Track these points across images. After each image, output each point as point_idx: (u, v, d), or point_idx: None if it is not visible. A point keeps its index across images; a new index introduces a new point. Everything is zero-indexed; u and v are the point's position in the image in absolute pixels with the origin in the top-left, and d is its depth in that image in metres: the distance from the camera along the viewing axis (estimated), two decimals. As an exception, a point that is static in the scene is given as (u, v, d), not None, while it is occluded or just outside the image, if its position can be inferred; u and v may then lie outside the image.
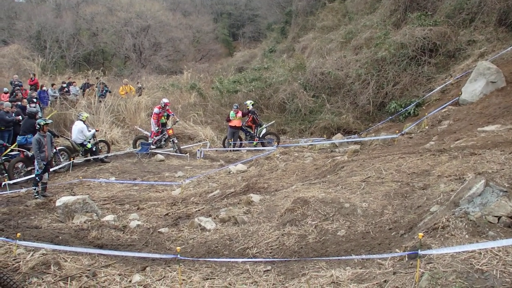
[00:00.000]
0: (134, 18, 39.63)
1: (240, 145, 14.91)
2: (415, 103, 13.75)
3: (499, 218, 4.28)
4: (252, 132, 14.88)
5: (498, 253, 3.73)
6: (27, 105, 14.03)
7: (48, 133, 9.19)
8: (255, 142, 14.67)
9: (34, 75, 20.56)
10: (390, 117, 14.19)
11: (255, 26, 47.75)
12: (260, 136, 14.74)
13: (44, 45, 35.27)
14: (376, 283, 3.89)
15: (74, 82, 20.78)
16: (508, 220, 4.24)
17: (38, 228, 6.70)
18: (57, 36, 36.69)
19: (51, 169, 9.94)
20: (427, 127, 11.45)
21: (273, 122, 15.91)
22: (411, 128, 11.93)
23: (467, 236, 4.14)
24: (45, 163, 8.95)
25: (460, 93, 12.03)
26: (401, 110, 13.99)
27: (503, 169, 5.85)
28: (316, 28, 25.64)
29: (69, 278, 4.59)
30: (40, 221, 7.14)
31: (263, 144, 14.53)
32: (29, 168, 10.62)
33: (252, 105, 15.06)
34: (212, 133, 16.49)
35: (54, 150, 10.73)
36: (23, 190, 9.59)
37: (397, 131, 11.83)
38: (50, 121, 9.76)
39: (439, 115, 11.74)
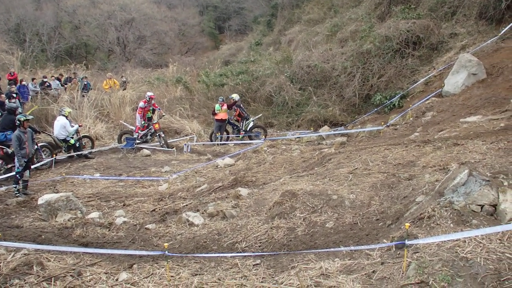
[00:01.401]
0: (118, 11, 38.97)
1: (227, 139, 14.86)
2: (399, 95, 13.89)
3: (482, 206, 4.37)
4: (238, 125, 14.83)
5: (482, 241, 3.81)
6: (6, 101, 13.71)
7: (29, 129, 8.98)
8: (241, 136, 14.65)
9: (14, 69, 20.10)
10: (376, 109, 14.31)
11: (241, 19, 47.46)
12: (248, 129, 14.71)
13: (24, 38, 34.42)
14: (365, 274, 3.93)
15: (57, 76, 20.38)
16: (490, 209, 4.33)
17: (19, 228, 6.55)
18: (37, 29, 35.86)
19: (32, 166, 9.72)
20: (411, 119, 11.58)
21: (260, 115, 15.89)
22: (396, 119, 12.05)
23: (452, 225, 4.20)
24: (26, 160, 8.75)
25: (443, 85, 12.19)
26: (386, 102, 14.12)
27: (485, 159, 5.96)
28: (302, 21, 25.69)
29: (53, 278, 4.48)
30: (21, 220, 6.98)
31: (250, 138, 14.51)
32: (9, 166, 10.26)
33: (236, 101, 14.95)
34: (199, 127, 16.42)
35: (36, 147, 10.48)
36: (3, 188, 9.32)
37: (382, 123, 11.92)
38: (30, 116, 9.54)
39: (423, 107, 11.89)
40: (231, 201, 6.92)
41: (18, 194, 8.65)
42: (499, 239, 3.78)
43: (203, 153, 13.28)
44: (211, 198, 7.39)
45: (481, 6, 13.69)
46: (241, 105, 15.04)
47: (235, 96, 14.99)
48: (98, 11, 39.38)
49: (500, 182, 4.67)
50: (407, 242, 3.79)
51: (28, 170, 9.06)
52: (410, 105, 12.40)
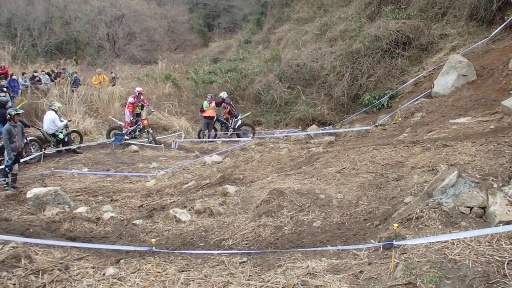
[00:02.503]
0: (108, 7, 38.80)
1: (215, 136, 14.82)
2: (388, 95, 13.95)
3: (471, 208, 4.38)
4: (227, 123, 14.80)
5: (470, 243, 3.81)
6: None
7: (19, 123, 8.99)
8: (229, 133, 14.62)
9: (4, 63, 19.83)
10: (364, 109, 14.36)
11: (230, 17, 47.37)
12: (236, 127, 14.68)
13: (15, 33, 34.16)
14: (352, 274, 3.93)
15: (47, 71, 20.18)
16: (479, 211, 4.35)
17: (8, 221, 6.48)
18: (28, 24, 35.56)
19: (21, 160, 9.67)
20: (400, 119, 11.63)
21: (248, 113, 15.86)
22: (385, 120, 12.09)
23: (440, 226, 4.22)
24: (15, 153, 8.76)
25: (432, 85, 12.26)
26: (375, 102, 14.18)
27: (474, 161, 5.99)
28: (291, 20, 25.71)
29: (40, 271, 4.46)
30: (10, 213, 6.93)
31: (238, 135, 14.48)
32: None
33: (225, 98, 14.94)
34: (187, 124, 16.35)
35: (25, 141, 10.43)
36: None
37: (371, 123, 11.96)
38: (21, 111, 9.49)
39: (412, 107, 11.94)
40: (218, 198, 6.90)
41: (7, 188, 8.65)
42: (488, 242, 3.79)
43: (191, 150, 13.23)
44: (199, 195, 7.36)
45: (472, 7, 13.77)
46: (231, 103, 15.00)
47: (223, 94, 14.94)
48: (89, 7, 39.24)
49: (490, 184, 4.71)
50: (395, 242, 3.79)
51: (17, 164, 9.06)
52: (399, 106, 12.46)
